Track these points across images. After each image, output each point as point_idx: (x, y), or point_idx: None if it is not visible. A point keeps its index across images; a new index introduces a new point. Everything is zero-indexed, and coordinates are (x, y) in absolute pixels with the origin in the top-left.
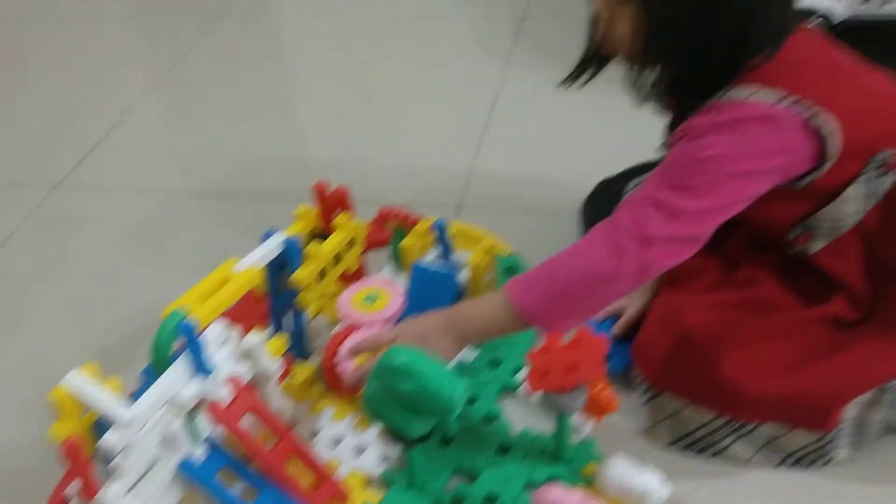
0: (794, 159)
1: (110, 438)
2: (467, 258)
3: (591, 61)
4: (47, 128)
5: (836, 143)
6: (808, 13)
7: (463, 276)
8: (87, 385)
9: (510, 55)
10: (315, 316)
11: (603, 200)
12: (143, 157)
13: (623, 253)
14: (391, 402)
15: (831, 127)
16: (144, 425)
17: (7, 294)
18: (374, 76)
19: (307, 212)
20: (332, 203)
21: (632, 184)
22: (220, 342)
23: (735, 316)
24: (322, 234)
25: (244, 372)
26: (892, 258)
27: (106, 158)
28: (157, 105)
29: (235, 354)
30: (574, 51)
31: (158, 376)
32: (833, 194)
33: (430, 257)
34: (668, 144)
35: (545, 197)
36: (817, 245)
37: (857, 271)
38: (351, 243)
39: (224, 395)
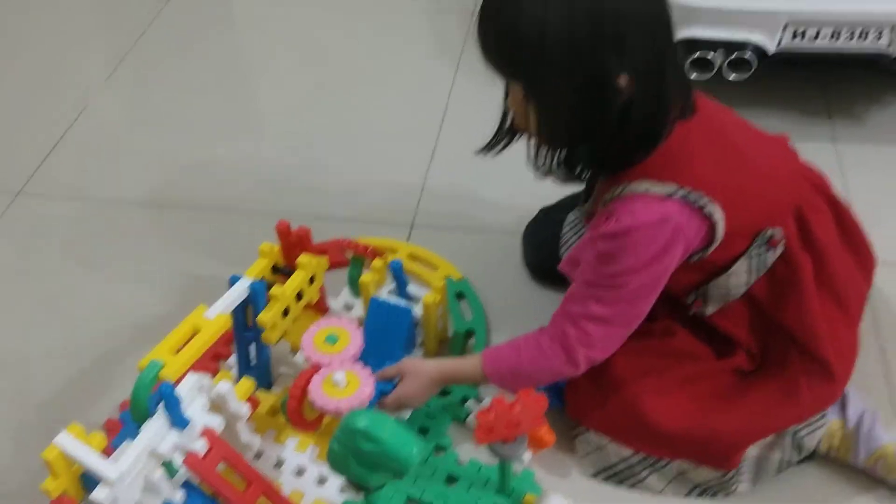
0: (689, 242)
1: (100, 495)
2: (421, 294)
3: (505, 135)
4: (3, 126)
5: (721, 228)
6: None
7: (417, 310)
8: (76, 446)
9: (461, 56)
10: (276, 343)
11: (542, 226)
12: (102, 162)
13: (576, 361)
14: (353, 458)
15: (718, 215)
16: (128, 479)
17: None
18: (329, 79)
19: (270, 249)
20: (293, 241)
21: (570, 216)
22: (193, 394)
23: (653, 362)
24: (284, 268)
25: (217, 424)
26: (781, 323)
27: (66, 161)
28: (112, 102)
29: (207, 405)
30: None
31: (137, 424)
32: (723, 268)
33: (386, 291)
34: (581, 217)
35: (490, 216)
36: (710, 309)
37: (745, 332)
38: (312, 279)
39: (200, 446)
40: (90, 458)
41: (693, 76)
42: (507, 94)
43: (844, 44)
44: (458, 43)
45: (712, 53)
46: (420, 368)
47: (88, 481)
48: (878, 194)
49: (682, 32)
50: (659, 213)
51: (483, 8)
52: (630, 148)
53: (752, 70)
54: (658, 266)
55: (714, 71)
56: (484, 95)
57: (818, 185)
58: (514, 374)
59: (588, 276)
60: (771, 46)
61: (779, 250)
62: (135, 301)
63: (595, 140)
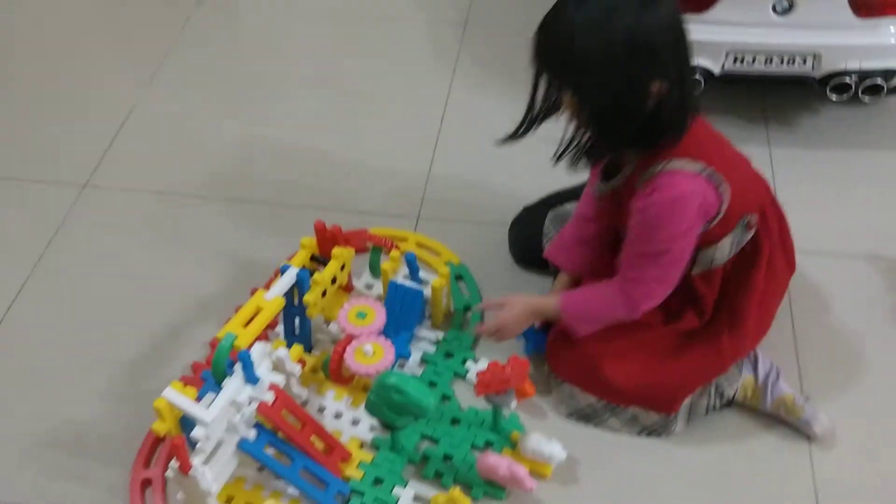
0: (707, 214)
1: (198, 432)
2: (430, 279)
3: (529, 124)
4: (56, 124)
5: (726, 206)
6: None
7: (427, 291)
8: (178, 397)
9: (456, 62)
10: (315, 317)
11: (525, 223)
12: (154, 157)
13: (636, 311)
14: (385, 406)
15: (727, 193)
16: (217, 421)
17: (60, 290)
18: (339, 86)
19: (309, 242)
20: (328, 236)
21: (549, 214)
22: (261, 358)
23: (614, 331)
24: (320, 257)
25: (280, 380)
26: (737, 286)
27: (122, 157)
28: (157, 102)
29: (271, 366)
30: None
31: (218, 383)
32: (713, 242)
33: (401, 276)
34: (605, 192)
35: (486, 209)
36: (696, 271)
37: (713, 293)
38: (343, 267)
39: (268, 397)
40: (191, 406)
41: None
42: (534, 90)
43: (777, 68)
44: (453, 51)
45: None
46: (515, 301)
47: (185, 424)
48: (804, 191)
49: None
50: (692, 185)
51: (541, 26)
52: (661, 136)
53: (702, 88)
54: (691, 234)
55: None
56: (477, 102)
57: (767, 189)
58: (583, 317)
59: (640, 248)
60: (716, 69)
61: (751, 233)
62: (194, 282)
63: (633, 133)
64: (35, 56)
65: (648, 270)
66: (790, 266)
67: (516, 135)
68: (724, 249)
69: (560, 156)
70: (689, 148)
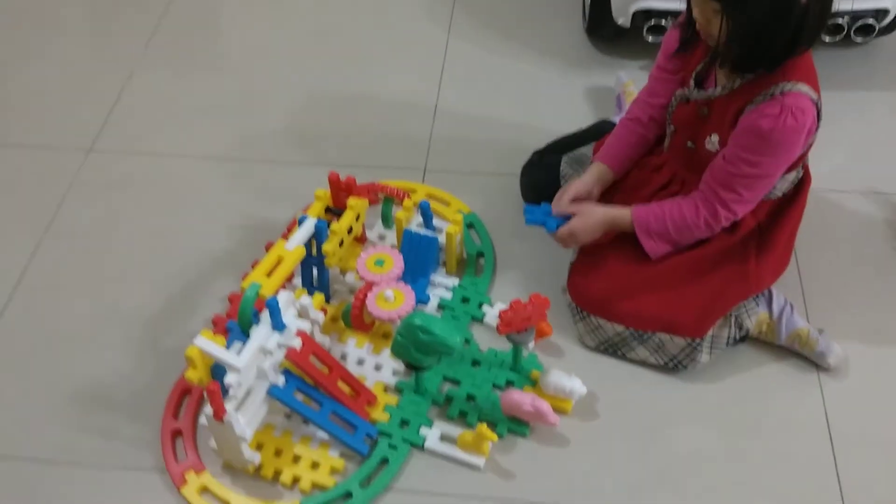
0: (810, 135)
1: (230, 378)
2: (443, 227)
3: (691, 39)
4: (59, 92)
5: (814, 137)
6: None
7: (441, 238)
8: (210, 345)
9: (451, 17)
10: (333, 266)
11: (537, 167)
12: (155, 121)
13: (715, 230)
14: (412, 346)
15: (817, 127)
16: (248, 367)
17: (74, 252)
18: (338, 45)
19: (324, 194)
20: (342, 187)
21: (566, 157)
22: (287, 305)
23: (638, 257)
24: (334, 208)
25: (307, 326)
26: (775, 216)
27: (124, 121)
28: (153, 68)
29: (296, 314)
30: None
31: (244, 331)
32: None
33: (415, 224)
34: (699, 99)
35: (491, 159)
36: None
37: (755, 220)
38: (357, 217)
39: (296, 343)
40: (222, 353)
41: (650, 39)
42: (689, 6)
43: None
44: (447, 8)
45: (664, 20)
46: (591, 210)
47: (215, 372)
48: None
49: (641, 4)
50: (812, 111)
51: None
52: (796, 49)
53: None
54: (798, 153)
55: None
56: (474, 55)
57: None
58: (657, 233)
59: (742, 170)
60: None
61: (801, 174)
62: (206, 239)
63: (776, 36)
64: (30, 24)
65: (743, 192)
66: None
67: (685, 48)
68: (786, 183)
69: (683, 47)
70: (804, 71)
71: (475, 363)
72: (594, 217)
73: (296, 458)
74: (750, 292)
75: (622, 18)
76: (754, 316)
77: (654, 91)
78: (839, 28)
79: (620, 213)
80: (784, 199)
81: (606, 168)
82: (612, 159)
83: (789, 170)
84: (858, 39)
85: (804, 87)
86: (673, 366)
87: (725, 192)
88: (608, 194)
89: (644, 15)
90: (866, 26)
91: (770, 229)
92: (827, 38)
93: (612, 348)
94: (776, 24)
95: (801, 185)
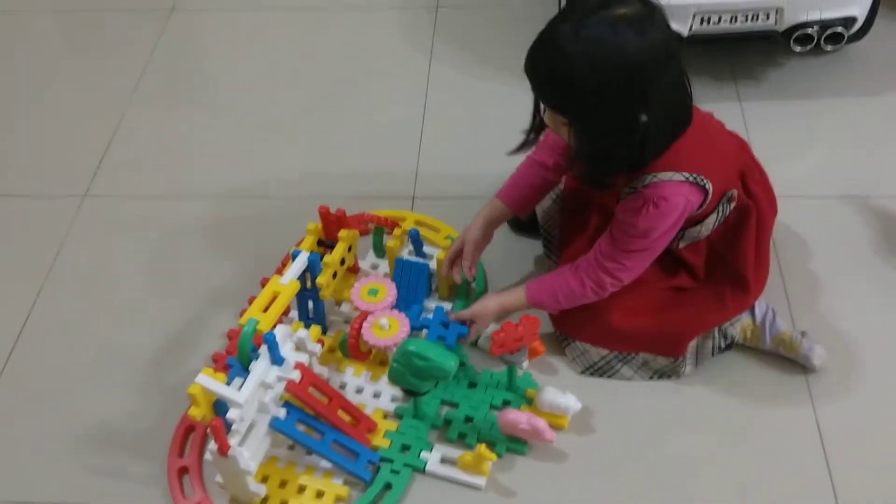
0: (692, 208)
1: (233, 414)
2: (434, 253)
3: (533, 134)
4: (51, 139)
5: (710, 196)
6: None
7: (432, 265)
8: (211, 382)
9: (432, 45)
10: (328, 298)
11: None
12: (149, 163)
13: (603, 294)
14: (408, 372)
15: (710, 188)
16: (249, 402)
17: (74, 296)
18: (320, 77)
19: (315, 227)
20: (333, 220)
21: None
22: (284, 339)
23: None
24: (326, 241)
25: (305, 359)
26: (723, 252)
27: (117, 164)
28: (143, 111)
29: (294, 347)
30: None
31: (244, 366)
32: (699, 220)
33: (406, 252)
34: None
35: (477, 183)
36: (682, 245)
37: (701, 260)
38: (349, 248)
39: (295, 375)
40: (223, 389)
41: None
42: (536, 106)
43: (742, 25)
44: (428, 34)
45: None
46: (486, 311)
47: (217, 409)
48: (776, 141)
49: None
50: (679, 190)
51: (532, 53)
52: (648, 156)
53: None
54: (676, 227)
55: None
56: (457, 80)
57: (745, 149)
58: (550, 305)
59: (621, 245)
60: (685, 31)
61: (733, 204)
62: (202, 277)
63: (620, 156)
64: (18, 74)
65: (625, 262)
66: (773, 209)
67: (525, 145)
68: (709, 225)
69: (521, 147)
70: (672, 159)
71: (471, 385)
72: (489, 315)
73: (301, 488)
74: (728, 318)
75: None
76: (738, 324)
77: (555, 143)
78: (809, 38)
79: (513, 298)
80: (725, 232)
81: (505, 207)
82: (514, 200)
83: (693, 221)
84: (829, 48)
85: (667, 175)
86: (658, 378)
87: (609, 262)
88: (583, 211)
89: None
90: (835, 35)
91: (732, 260)
92: (798, 49)
93: (597, 372)
94: (618, 143)
95: (742, 214)
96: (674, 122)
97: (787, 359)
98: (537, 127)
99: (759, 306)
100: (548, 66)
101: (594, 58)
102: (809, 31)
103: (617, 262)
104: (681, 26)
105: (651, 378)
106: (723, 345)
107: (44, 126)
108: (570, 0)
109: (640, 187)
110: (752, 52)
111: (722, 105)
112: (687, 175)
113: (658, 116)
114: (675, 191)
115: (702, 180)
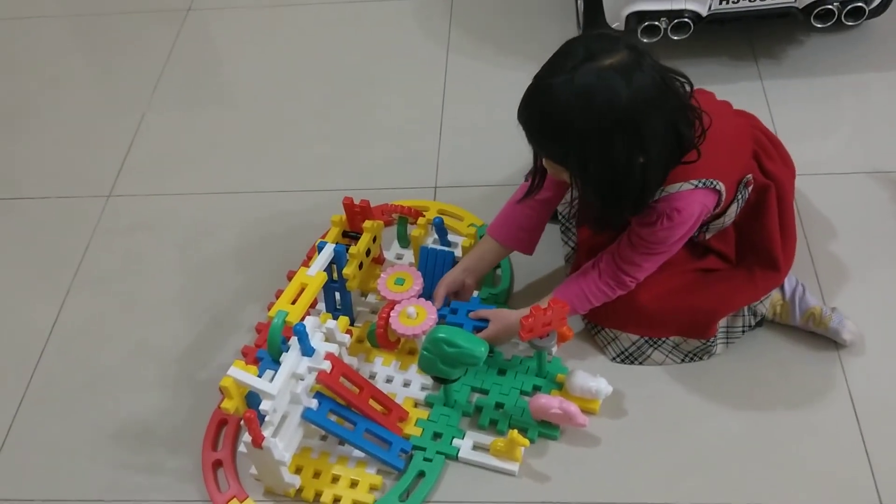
0: (707, 210)
1: (265, 405)
2: (458, 241)
3: (541, 179)
4: (74, 142)
5: (724, 194)
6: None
7: (457, 252)
8: (243, 374)
9: (449, 35)
10: (354, 289)
11: None
12: (171, 162)
13: (624, 289)
14: (439, 360)
15: (722, 187)
16: (281, 393)
17: (103, 294)
18: (339, 71)
19: (340, 219)
20: (357, 211)
21: None
22: (314, 330)
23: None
24: (351, 232)
25: (335, 349)
26: (749, 234)
27: (140, 164)
28: (162, 112)
29: (323, 338)
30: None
31: (274, 358)
32: (718, 215)
33: (430, 241)
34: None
35: (498, 171)
36: (709, 235)
37: (731, 246)
38: (374, 239)
39: (326, 366)
40: (256, 381)
41: (644, 41)
42: (536, 158)
43: (761, 3)
44: (444, 23)
45: (658, 21)
46: (505, 316)
47: (250, 401)
48: (799, 119)
49: (634, 7)
50: (692, 199)
51: (525, 105)
52: (648, 195)
53: (691, 31)
54: (692, 230)
55: (661, 35)
56: (474, 69)
57: (755, 125)
58: (582, 307)
59: (640, 250)
60: (704, 11)
61: (751, 187)
62: (229, 271)
63: (620, 194)
64: (39, 79)
65: (643, 263)
66: (791, 173)
67: (532, 191)
68: (732, 213)
69: (529, 193)
70: (677, 171)
71: (501, 371)
72: (508, 321)
73: (335, 479)
74: (759, 296)
75: (616, 22)
76: (767, 300)
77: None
78: (830, 13)
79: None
80: (748, 214)
81: (500, 247)
82: (518, 243)
83: (715, 215)
84: (850, 23)
85: (676, 187)
86: (689, 360)
87: (628, 265)
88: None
89: (637, 17)
90: (856, 9)
91: (759, 240)
92: (818, 24)
93: (629, 358)
94: (614, 185)
95: (761, 195)
96: (671, 155)
97: (818, 335)
98: (540, 172)
99: (789, 282)
100: (542, 117)
101: (585, 108)
102: (831, 6)
103: (635, 265)
104: (700, 6)
105: (683, 361)
106: (752, 322)
107: (66, 129)
108: (556, 53)
109: (652, 202)
110: (772, 30)
111: (743, 85)
112: (697, 182)
113: (655, 155)
114: (688, 200)
115: (712, 183)
